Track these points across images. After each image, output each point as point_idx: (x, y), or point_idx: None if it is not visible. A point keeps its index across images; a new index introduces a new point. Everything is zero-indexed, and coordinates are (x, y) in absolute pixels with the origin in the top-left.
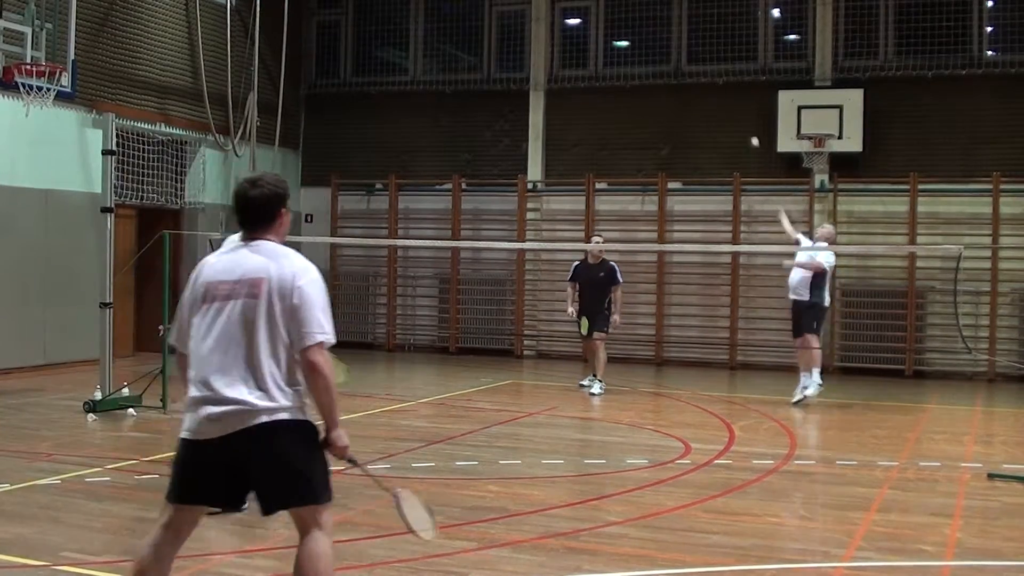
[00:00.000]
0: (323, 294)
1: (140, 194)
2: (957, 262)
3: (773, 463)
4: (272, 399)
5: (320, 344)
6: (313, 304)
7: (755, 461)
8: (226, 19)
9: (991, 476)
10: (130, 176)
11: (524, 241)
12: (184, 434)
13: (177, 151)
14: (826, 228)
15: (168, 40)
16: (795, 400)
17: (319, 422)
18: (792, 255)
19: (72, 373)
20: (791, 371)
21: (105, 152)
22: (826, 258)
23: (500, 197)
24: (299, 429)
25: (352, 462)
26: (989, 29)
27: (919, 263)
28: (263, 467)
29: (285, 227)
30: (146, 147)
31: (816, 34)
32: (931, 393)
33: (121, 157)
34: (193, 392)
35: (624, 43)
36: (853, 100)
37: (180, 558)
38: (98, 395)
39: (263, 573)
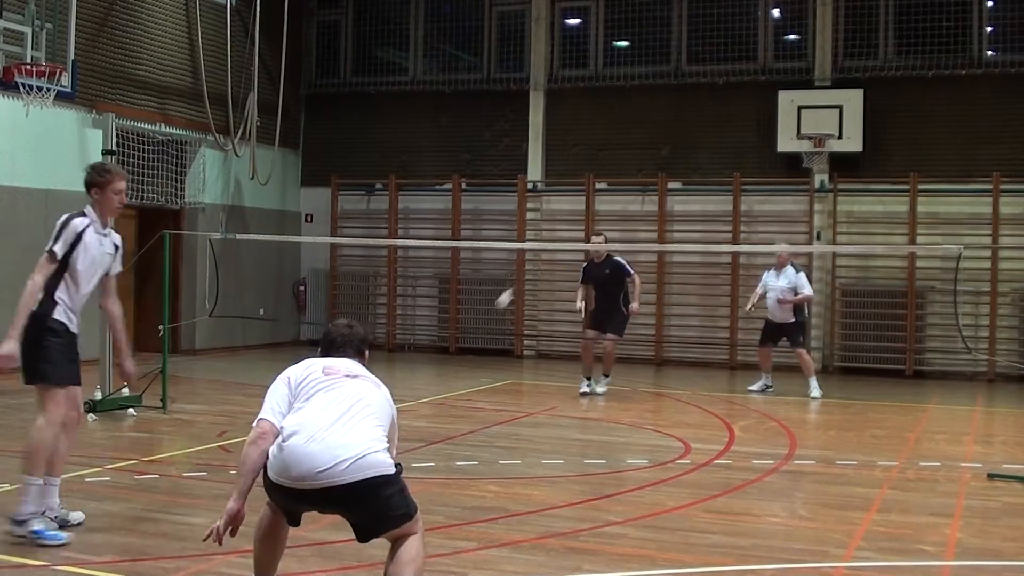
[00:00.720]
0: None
1: (140, 194)
2: (957, 262)
3: (773, 463)
4: None
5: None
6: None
7: (755, 461)
8: (226, 19)
9: (991, 476)
10: (130, 176)
11: (524, 241)
12: None
13: (177, 151)
14: (785, 247)
15: (168, 40)
16: (752, 389)
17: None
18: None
19: None
20: (791, 371)
21: (105, 152)
22: (806, 284)
23: (500, 197)
24: None
25: None
26: (989, 29)
27: (919, 263)
28: None
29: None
30: (146, 147)
31: (816, 34)
32: (931, 393)
33: (121, 157)
34: None
35: (624, 43)
36: (853, 100)
37: (180, 558)
38: (98, 395)
39: None
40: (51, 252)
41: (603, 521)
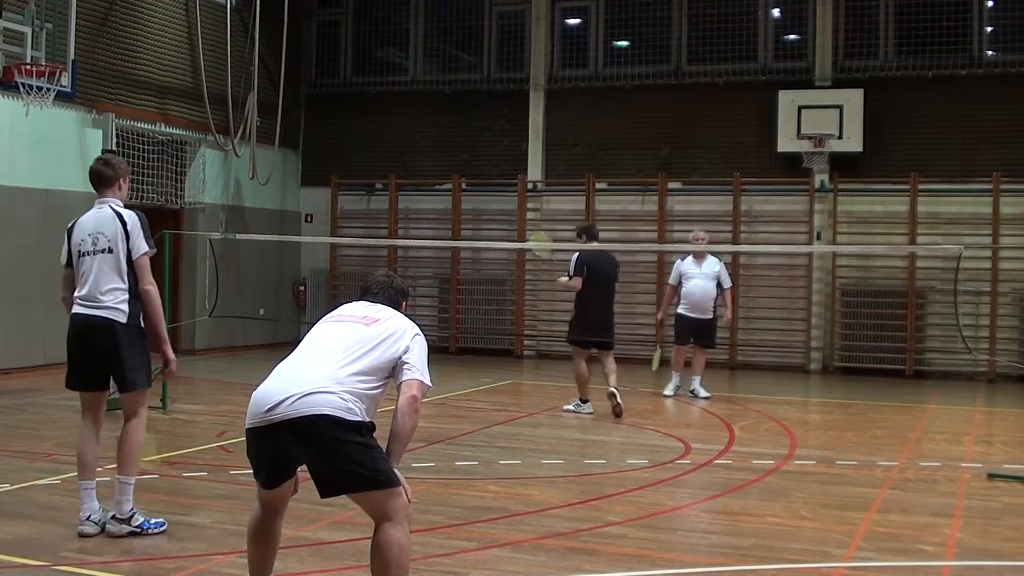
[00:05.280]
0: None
1: (140, 194)
2: (957, 262)
3: (773, 463)
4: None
5: (422, 383)
6: (422, 355)
7: (755, 461)
8: (226, 19)
9: (991, 476)
10: (130, 176)
11: (524, 241)
12: None
13: (177, 151)
14: (701, 233)
15: (168, 40)
16: (667, 394)
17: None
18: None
19: None
20: (791, 371)
21: (105, 152)
22: (728, 277)
23: (500, 197)
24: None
25: None
26: (989, 29)
27: (919, 263)
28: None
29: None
30: (146, 147)
31: (816, 34)
32: (931, 393)
33: (121, 157)
34: None
35: (624, 43)
36: (853, 100)
37: (180, 558)
38: None
39: None
40: (150, 250)
41: (603, 521)
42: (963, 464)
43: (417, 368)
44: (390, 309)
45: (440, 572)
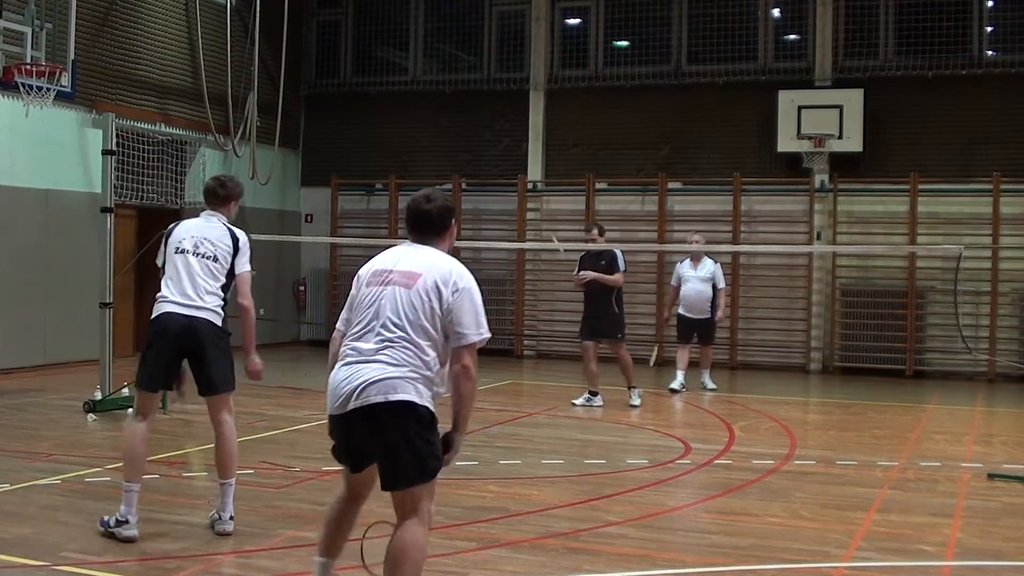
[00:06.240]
0: (480, 299)
1: (140, 194)
2: (957, 262)
3: (773, 463)
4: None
5: (473, 345)
6: (471, 308)
7: (755, 461)
8: (226, 19)
9: (991, 476)
10: (130, 176)
11: (524, 241)
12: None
13: (177, 151)
14: (698, 237)
15: (168, 40)
16: (674, 388)
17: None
18: None
19: (72, 373)
20: (791, 371)
21: (105, 152)
22: (722, 277)
23: (500, 197)
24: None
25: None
26: (989, 29)
27: (919, 263)
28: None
29: (452, 238)
30: (146, 147)
31: (816, 34)
32: (931, 393)
33: (121, 157)
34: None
35: (624, 43)
36: (853, 100)
37: (180, 558)
38: (98, 395)
39: (263, 573)
40: (252, 270)
41: (603, 521)
42: (963, 464)
43: (464, 333)
44: (430, 254)
45: (440, 572)
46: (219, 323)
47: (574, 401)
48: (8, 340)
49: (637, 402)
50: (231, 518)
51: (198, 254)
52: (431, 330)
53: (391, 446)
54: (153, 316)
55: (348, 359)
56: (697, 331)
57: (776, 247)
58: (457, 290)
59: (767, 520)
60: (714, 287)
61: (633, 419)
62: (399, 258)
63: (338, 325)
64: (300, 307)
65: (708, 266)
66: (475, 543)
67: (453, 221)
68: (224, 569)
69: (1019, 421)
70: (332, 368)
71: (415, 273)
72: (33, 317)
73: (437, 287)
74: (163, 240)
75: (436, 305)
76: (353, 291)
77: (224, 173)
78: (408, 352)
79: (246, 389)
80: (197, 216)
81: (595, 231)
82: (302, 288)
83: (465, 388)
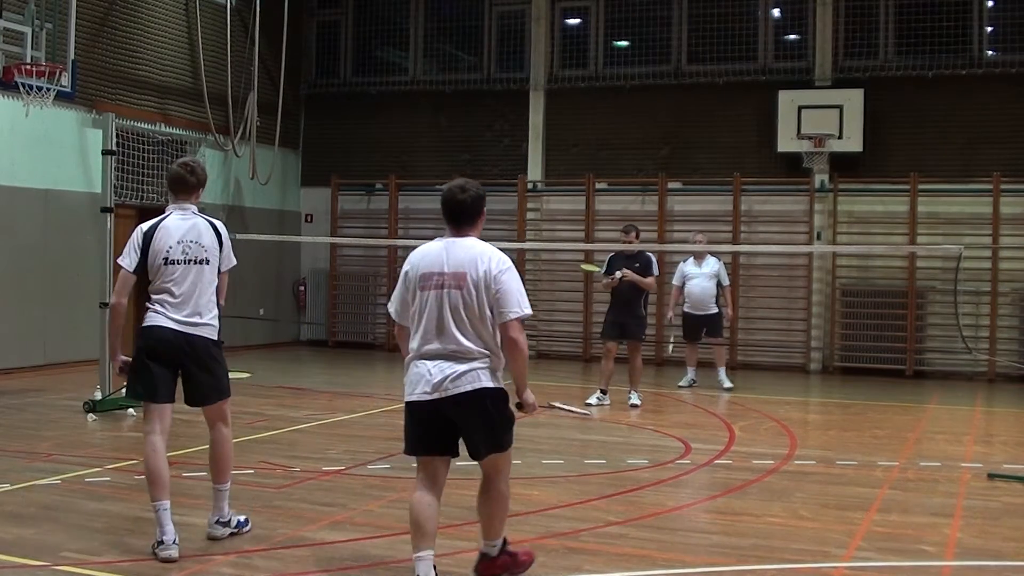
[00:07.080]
0: (518, 279)
1: (140, 194)
2: (957, 262)
3: (773, 463)
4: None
5: (518, 318)
6: (511, 289)
7: (755, 461)
8: (226, 19)
9: (991, 476)
10: (130, 176)
11: (524, 241)
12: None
13: (177, 151)
14: (700, 236)
15: (168, 40)
16: (682, 385)
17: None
18: None
19: (72, 373)
20: (791, 371)
21: (105, 152)
22: (726, 275)
23: (500, 197)
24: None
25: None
26: (989, 29)
27: (919, 263)
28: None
29: (483, 220)
30: (146, 147)
31: (816, 34)
32: (931, 393)
33: (121, 157)
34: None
35: (624, 43)
36: (853, 100)
37: (180, 558)
38: (98, 395)
39: (263, 573)
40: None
41: (603, 521)
42: (963, 464)
43: (507, 311)
44: (469, 247)
45: (440, 572)
46: (215, 336)
47: (588, 401)
48: (8, 340)
49: (637, 402)
50: (222, 523)
51: (190, 261)
52: (487, 316)
53: (479, 426)
54: (145, 325)
55: (427, 355)
56: (705, 327)
57: (776, 247)
58: (499, 274)
59: (767, 520)
60: (720, 284)
61: (633, 419)
62: (444, 259)
63: (394, 317)
64: (300, 307)
65: (712, 263)
66: (475, 543)
67: (485, 207)
68: (223, 569)
69: (1019, 421)
70: (409, 361)
71: (462, 273)
72: (33, 317)
73: (484, 279)
74: (138, 245)
75: (485, 296)
76: (401, 287)
77: (190, 157)
78: (478, 343)
79: (245, 389)
80: (165, 212)
81: (632, 233)
82: (302, 288)
83: (516, 357)
